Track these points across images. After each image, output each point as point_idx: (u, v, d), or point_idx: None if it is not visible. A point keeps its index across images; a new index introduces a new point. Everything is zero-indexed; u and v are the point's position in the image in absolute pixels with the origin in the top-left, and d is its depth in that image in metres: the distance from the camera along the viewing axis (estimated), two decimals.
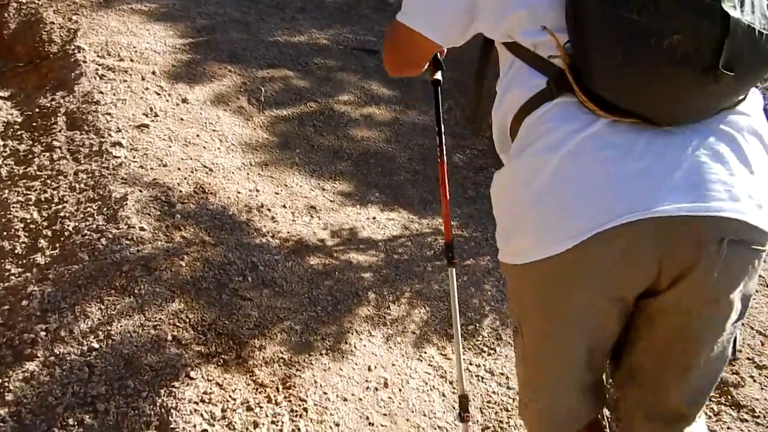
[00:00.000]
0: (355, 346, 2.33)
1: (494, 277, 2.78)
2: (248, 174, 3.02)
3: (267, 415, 1.97)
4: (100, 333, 2.14)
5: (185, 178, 2.82)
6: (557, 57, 1.09)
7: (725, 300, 1.10)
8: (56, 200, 2.60)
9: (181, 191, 2.75)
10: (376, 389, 2.19)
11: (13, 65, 3.52)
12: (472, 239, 2.98)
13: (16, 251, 2.39)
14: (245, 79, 3.63)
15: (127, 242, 2.44)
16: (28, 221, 2.51)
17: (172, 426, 1.85)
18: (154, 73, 3.43)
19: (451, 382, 2.28)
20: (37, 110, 3.11)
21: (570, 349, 1.22)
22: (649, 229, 1.02)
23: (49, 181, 2.70)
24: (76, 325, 2.10)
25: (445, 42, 1.30)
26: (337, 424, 2.02)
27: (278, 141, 3.33)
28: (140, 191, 2.68)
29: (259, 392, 2.04)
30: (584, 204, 1.06)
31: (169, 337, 2.17)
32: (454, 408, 2.18)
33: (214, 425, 1.89)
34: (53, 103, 3.13)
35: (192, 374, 2.04)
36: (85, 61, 3.38)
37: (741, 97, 1.10)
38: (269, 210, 2.83)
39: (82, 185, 2.72)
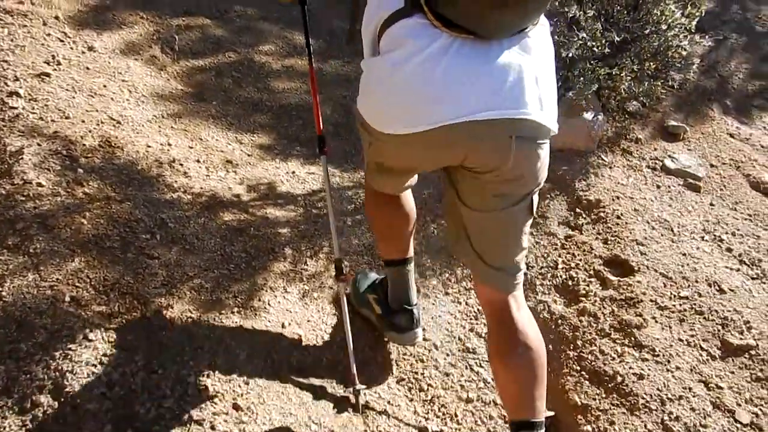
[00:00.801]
0: (269, 303, 2.29)
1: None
2: (160, 127, 2.89)
3: (171, 377, 1.91)
4: None
5: (90, 131, 2.67)
6: None
7: (519, 179, 1.53)
8: None
9: (84, 145, 2.60)
10: (290, 345, 2.16)
11: None
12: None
13: None
14: (159, 27, 3.44)
15: (22, 198, 2.30)
16: None
17: (67, 390, 1.77)
18: (57, 18, 3.20)
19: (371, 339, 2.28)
20: None
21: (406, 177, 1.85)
22: (464, 128, 1.41)
23: None
24: None
25: None
26: (246, 383, 1.98)
27: (193, 92, 3.18)
28: (39, 145, 2.52)
29: (164, 353, 1.98)
30: (425, 103, 1.42)
31: (67, 298, 2.07)
32: (368, 364, 2.19)
33: (113, 388, 1.82)
34: None
35: (90, 336, 1.95)
36: None
37: (535, 21, 1.46)
38: (182, 165, 2.71)
39: None
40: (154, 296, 2.16)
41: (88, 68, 3.00)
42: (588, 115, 3.04)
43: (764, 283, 2.59)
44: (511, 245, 1.67)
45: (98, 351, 1.90)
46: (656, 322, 2.37)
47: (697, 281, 2.52)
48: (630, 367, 2.23)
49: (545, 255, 2.67)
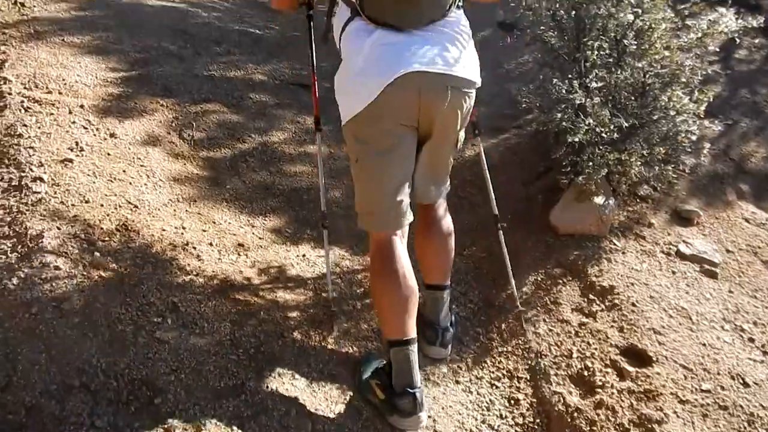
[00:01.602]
0: (276, 390, 2.25)
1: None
2: (175, 210, 2.94)
3: None
4: (2, 380, 2.02)
5: (108, 215, 2.73)
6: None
7: (453, 118, 2.12)
8: None
9: (102, 228, 2.65)
10: None
11: None
12: None
13: None
14: (177, 114, 3.57)
15: (39, 281, 2.33)
16: None
17: None
18: (82, 106, 3.34)
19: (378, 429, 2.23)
20: None
21: (389, 166, 2.13)
22: (409, 78, 1.97)
23: None
24: None
25: None
26: None
27: (208, 176, 3.26)
28: (58, 228, 2.58)
29: None
30: (378, 72, 1.98)
31: (77, 383, 2.06)
32: None
33: None
34: None
35: (98, 423, 1.94)
36: (10, 93, 3.27)
37: (439, 15, 2.03)
38: (195, 248, 2.74)
39: None
40: (163, 382, 2.15)
41: (109, 154, 3.09)
42: (599, 200, 3.06)
43: None
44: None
45: None
46: (678, 417, 2.28)
47: (719, 373, 2.44)
48: None
49: (559, 343, 2.62)
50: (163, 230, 2.77)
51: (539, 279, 2.93)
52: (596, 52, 3.09)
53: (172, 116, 3.54)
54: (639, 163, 3.05)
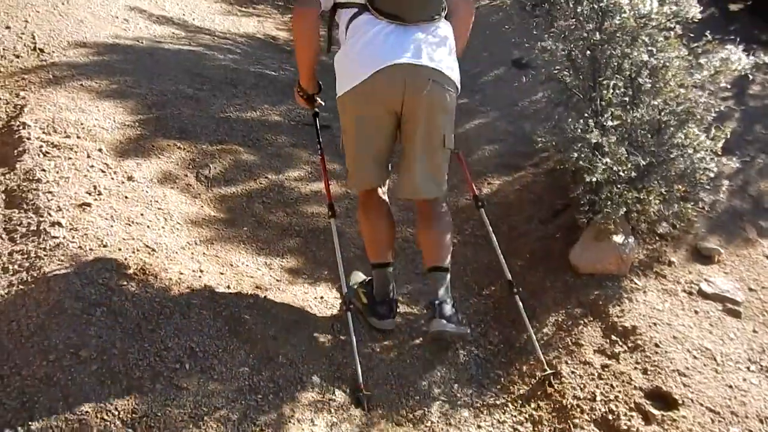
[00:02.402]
0: None
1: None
2: (193, 253, 2.94)
3: None
4: (20, 428, 2.00)
5: (126, 259, 2.72)
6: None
7: (433, 106, 2.44)
8: None
9: (120, 273, 2.65)
10: None
11: None
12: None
13: None
14: (194, 156, 3.59)
15: (56, 328, 2.32)
16: None
17: None
18: (100, 150, 3.37)
19: None
20: None
21: (369, 137, 2.53)
22: (398, 68, 2.36)
23: None
24: None
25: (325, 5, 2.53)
26: None
27: (225, 218, 3.26)
28: (76, 273, 2.57)
29: None
30: (373, 58, 2.37)
31: (95, 431, 2.03)
32: None
33: None
34: None
35: None
36: (29, 138, 3.31)
37: (437, 12, 2.44)
38: (212, 291, 2.73)
39: (16, 266, 2.61)
40: (181, 429, 2.11)
41: (126, 197, 3.11)
42: (618, 239, 3.03)
43: None
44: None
45: None
46: None
47: (747, 416, 2.38)
48: None
49: (582, 386, 2.56)
50: (181, 273, 2.76)
51: (560, 320, 2.89)
52: (612, 91, 3.09)
53: (189, 158, 3.56)
54: (658, 201, 3.03)
